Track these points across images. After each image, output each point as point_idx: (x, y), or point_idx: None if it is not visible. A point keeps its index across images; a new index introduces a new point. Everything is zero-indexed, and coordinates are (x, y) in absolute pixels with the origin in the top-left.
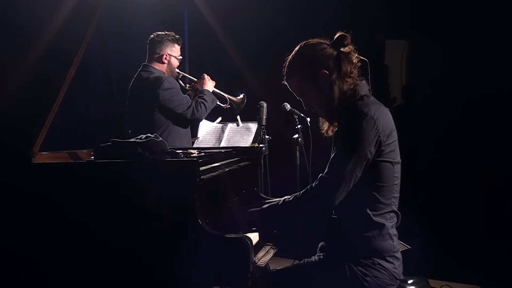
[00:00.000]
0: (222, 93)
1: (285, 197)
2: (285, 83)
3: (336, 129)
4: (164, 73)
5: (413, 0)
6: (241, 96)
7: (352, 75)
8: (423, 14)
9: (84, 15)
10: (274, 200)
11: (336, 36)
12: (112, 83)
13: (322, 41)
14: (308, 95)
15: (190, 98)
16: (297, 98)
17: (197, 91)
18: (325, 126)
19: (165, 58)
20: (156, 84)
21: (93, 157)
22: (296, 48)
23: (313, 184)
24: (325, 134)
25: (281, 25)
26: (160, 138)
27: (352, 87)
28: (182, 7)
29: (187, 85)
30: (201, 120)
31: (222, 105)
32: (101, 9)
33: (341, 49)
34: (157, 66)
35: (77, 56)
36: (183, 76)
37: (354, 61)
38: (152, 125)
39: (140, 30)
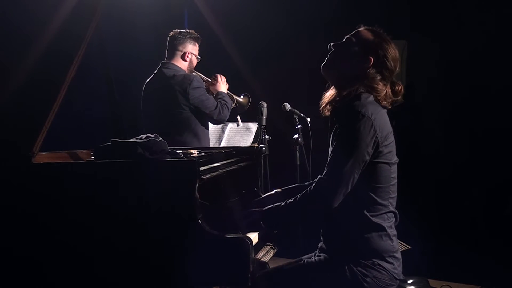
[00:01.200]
0: (230, 93)
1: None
2: (358, 29)
3: (331, 107)
4: (185, 72)
5: (413, 0)
6: (245, 96)
7: (372, 87)
8: (423, 14)
9: (84, 15)
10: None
11: None
12: (112, 83)
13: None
14: (349, 50)
15: None
16: (344, 38)
17: (208, 91)
18: (326, 98)
19: (187, 56)
20: (185, 82)
21: (93, 157)
22: (381, 31)
23: (312, 186)
24: (320, 110)
25: (281, 25)
26: (160, 138)
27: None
28: (182, 7)
29: None
30: (224, 122)
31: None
32: (101, 9)
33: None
34: (179, 64)
35: (77, 56)
36: (198, 75)
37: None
38: (177, 124)
39: (140, 30)
